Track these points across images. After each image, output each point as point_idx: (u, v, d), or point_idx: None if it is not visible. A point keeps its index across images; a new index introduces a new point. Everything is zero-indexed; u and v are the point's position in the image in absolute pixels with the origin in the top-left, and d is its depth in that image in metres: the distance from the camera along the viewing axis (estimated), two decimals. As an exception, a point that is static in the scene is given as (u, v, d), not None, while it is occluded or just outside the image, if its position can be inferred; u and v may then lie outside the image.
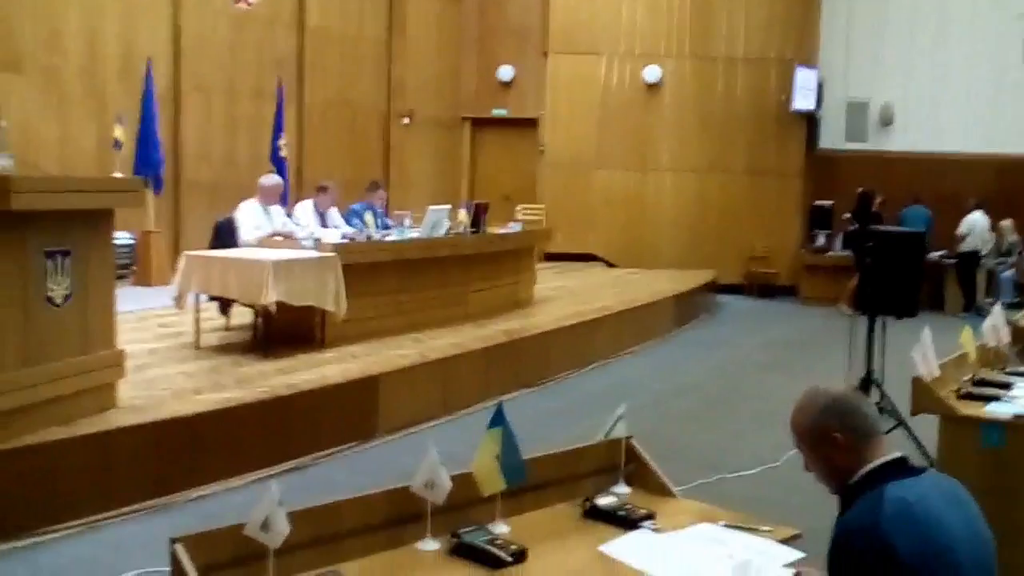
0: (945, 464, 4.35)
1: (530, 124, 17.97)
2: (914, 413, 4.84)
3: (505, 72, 18.23)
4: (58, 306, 5.39)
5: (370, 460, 6.76)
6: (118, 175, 10.33)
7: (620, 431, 3.46)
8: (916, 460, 4.23)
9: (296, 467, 6.44)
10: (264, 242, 8.56)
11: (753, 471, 6.55)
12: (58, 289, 5.38)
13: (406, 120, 17.02)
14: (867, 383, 7.39)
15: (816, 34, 16.83)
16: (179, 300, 7.86)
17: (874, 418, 2.55)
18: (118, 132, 11.33)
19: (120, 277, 9.92)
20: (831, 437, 2.49)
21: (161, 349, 7.93)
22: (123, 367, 6.10)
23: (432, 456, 2.82)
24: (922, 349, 4.74)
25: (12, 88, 10.76)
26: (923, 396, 4.60)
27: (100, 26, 11.97)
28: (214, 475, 5.97)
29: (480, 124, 18.71)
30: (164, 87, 12.57)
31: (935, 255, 14.88)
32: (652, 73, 16.85)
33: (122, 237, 11.15)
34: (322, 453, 6.70)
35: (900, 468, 2.46)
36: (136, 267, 11.97)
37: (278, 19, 14.56)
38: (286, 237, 8.75)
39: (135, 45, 12.30)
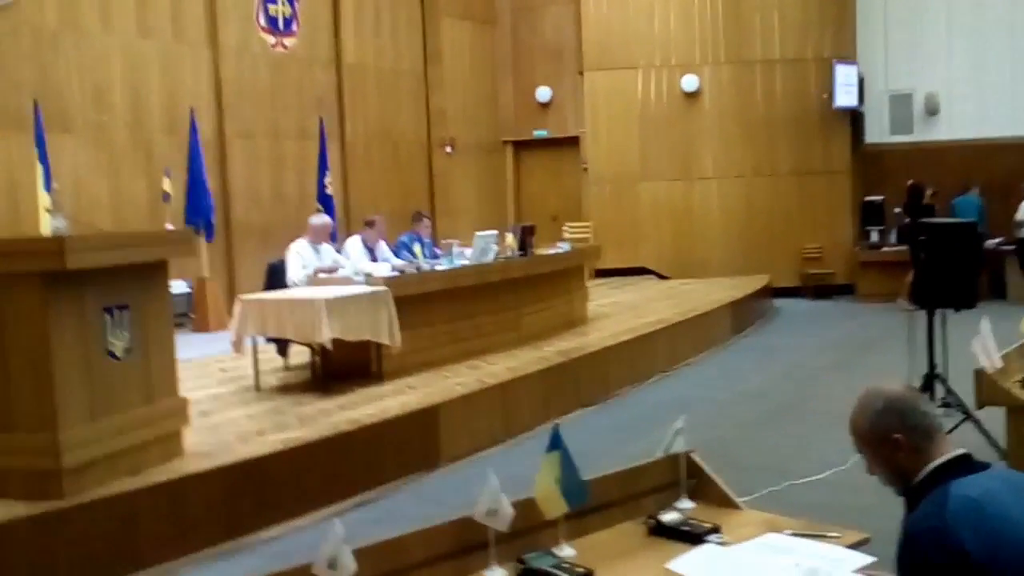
0: (1014, 455, 4.29)
1: (572, 143, 18.00)
2: (979, 406, 4.78)
3: (543, 93, 18.30)
4: (120, 359, 5.49)
5: (435, 489, 6.78)
6: (169, 226, 10.55)
7: (679, 445, 3.44)
8: (986, 455, 4.18)
9: (363, 501, 6.49)
10: (311, 280, 8.64)
11: (821, 475, 6.47)
12: (119, 343, 5.48)
13: (448, 148, 17.13)
14: (930, 379, 7.29)
15: (852, 29, 16.64)
16: (237, 344, 7.95)
17: (933, 415, 2.51)
18: (167, 185, 11.57)
19: (178, 325, 10.07)
20: (892, 438, 2.46)
21: (223, 394, 8.05)
22: (188, 414, 6.20)
23: (493, 484, 2.82)
24: (982, 341, 4.68)
25: (64, 147, 11.02)
26: (987, 389, 4.55)
27: (144, 79, 12.22)
28: (283, 515, 6.02)
29: (522, 146, 18.78)
30: (209, 134, 12.80)
31: (992, 243, 14.62)
32: (690, 82, 16.79)
33: (178, 286, 11.34)
34: (387, 486, 6.74)
35: (964, 464, 2.42)
36: (194, 314, 12.16)
37: (315, 59, 14.77)
38: (331, 272, 8.82)
39: (178, 95, 12.55)
